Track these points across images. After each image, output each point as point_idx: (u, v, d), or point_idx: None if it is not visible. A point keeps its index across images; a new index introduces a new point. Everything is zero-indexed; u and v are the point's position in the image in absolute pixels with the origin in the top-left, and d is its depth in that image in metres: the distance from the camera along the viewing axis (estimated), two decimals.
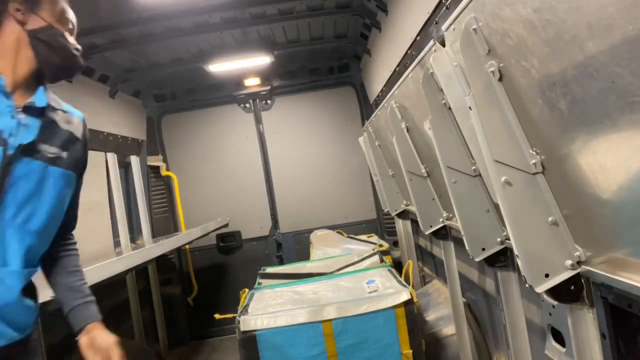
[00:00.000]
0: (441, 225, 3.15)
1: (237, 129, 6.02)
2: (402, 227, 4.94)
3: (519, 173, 1.59)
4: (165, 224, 5.87)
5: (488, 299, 3.09)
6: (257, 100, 6.02)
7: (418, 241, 4.84)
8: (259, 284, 3.68)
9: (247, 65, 5.20)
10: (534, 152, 1.56)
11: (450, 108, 2.07)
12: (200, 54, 4.89)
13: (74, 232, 2.11)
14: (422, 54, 2.18)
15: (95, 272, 2.55)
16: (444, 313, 3.55)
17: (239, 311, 2.89)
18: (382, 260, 3.84)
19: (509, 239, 1.75)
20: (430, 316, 3.66)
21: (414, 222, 4.60)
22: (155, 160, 5.85)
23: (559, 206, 1.58)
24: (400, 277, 3.27)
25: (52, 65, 1.82)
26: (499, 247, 2.23)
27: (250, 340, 2.67)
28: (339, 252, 4.59)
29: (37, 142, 1.66)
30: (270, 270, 4.08)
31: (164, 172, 5.88)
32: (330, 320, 2.70)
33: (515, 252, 1.64)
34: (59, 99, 1.90)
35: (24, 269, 1.66)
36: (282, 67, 5.72)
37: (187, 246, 5.70)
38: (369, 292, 3.02)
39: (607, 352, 1.60)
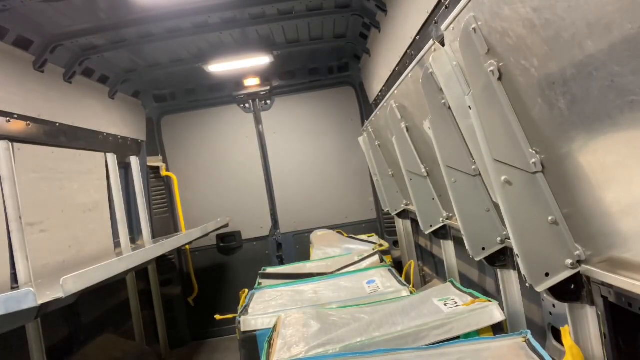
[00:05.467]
0: (441, 224, 3.15)
1: (236, 129, 6.02)
2: (402, 226, 4.94)
3: (519, 172, 1.59)
4: (165, 224, 5.87)
5: None
6: (257, 100, 6.02)
7: (418, 241, 4.84)
8: (259, 284, 3.68)
9: (247, 65, 5.21)
10: (534, 151, 1.56)
11: (449, 107, 2.07)
12: (200, 54, 4.89)
13: None
14: (421, 53, 2.18)
15: (95, 272, 2.55)
16: None
17: (239, 311, 2.89)
18: (382, 260, 3.84)
19: (509, 238, 1.75)
20: None
21: (414, 222, 4.60)
22: (155, 161, 5.85)
23: (559, 205, 1.58)
24: (401, 276, 3.27)
25: None
26: (499, 247, 2.24)
27: (250, 341, 2.66)
28: (339, 252, 4.59)
29: None
30: (270, 270, 4.08)
31: (163, 173, 5.88)
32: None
33: (515, 251, 1.64)
34: None
35: None
36: (281, 67, 5.72)
37: (187, 246, 5.71)
38: (370, 292, 3.02)
39: (608, 350, 1.60)
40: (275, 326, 2.45)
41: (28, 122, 3.47)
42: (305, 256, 5.13)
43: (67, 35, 3.72)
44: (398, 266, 4.68)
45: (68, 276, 2.26)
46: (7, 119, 3.25)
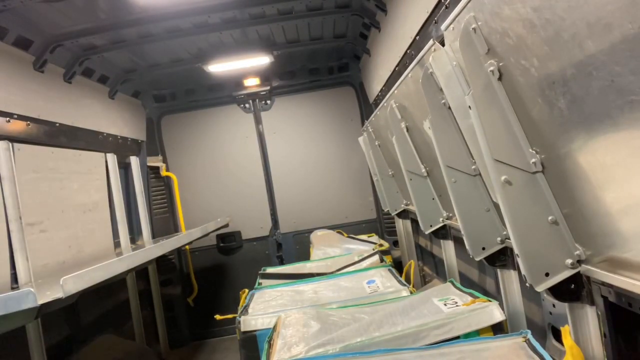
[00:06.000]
0: (441, 224, 3.15)
1: (236, 129, 6.03)
2: (402, 226, 4.94)
3: (519, 172, 1.59)
4: (165, 224, 5.87)
5: None
6: (257, 100, 6.02)
7: (418, 241, 4.84)
8: (259, 284, 3.68)
9: (247, 65, 5.20)
10: (534, 151, 1.56)
11: (449, 107, 2.07)
12: (200, 54, 4.89)
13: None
14: (421, 53, 2.18)
15: (95, 272, 2.55)
16: None
17: (239, 311, 2.89)
18: (382, 260, 3.84)
19: (509, 238, 1.75)
20: None
21: (414, 222, 4.60)
22: (155, 161, 5.85)
23: (559, 205, 1.58)
24: (401, 276, 3.27)
25: None
26: (499, 246, 2.24)
27: (250, 341, 2.66)
28: (339, 252, 4.59)
29: None
30: (270, 270, 4.08)
31: (163, 173, 5.88)
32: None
33: (516, 251, 1.64)
34: None
35: None
36: (281, 67, 5.72)
37: (187, 246, 5.71)
38: (370, 292, 3.02)
39: (608, 350, 1.60)
40: (275, 326, 2.45)
41: (28, 122, 3.47)
42: (305, 256, 5.13)
43: (67, 35, 3.72)
44: (398, 266, 4.69)
45: (68, 276, 2.26)
46: (7, 119, 3.25)
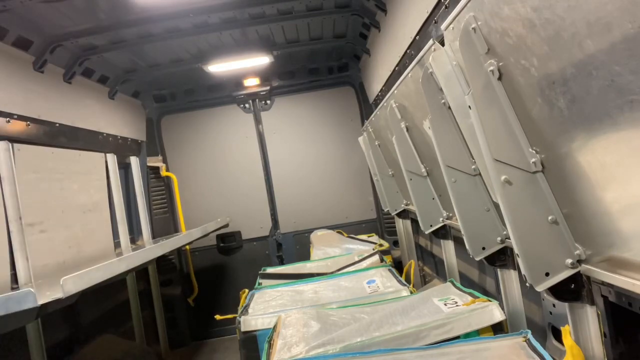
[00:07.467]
0: (441, 224, 3.15)
1: (236, 130, 6.03)
2: (402, 226, 4.94)
3: (519, 172, 1.59)
4: (165, 224, 5.87)
5: None
6: (257, 100, 6.03)
7: (418, 240, 4.84)
8: (259, 284, 3.68)
9: (247, 65, 5.20)
10: (534, 151, 1.56)
11: (449, 107, 2.07)
12: (200, 54, 4.89)
13: None
14: (421, 53, 2.18)
15: (95, 272, 2.55)
16: None
17: (239, 311, 2.89)
18: (382, 260, 3.84)
19: (509, 238, 1.76)
20: None
21: (414, 222, 4.60)
22: (155, 161, 5.85)
23: (559, 205, 1.58)
24: (401, 276, 3.27)
25: None
26: (499, 246, 2.24)
27: (250, 341, 2.66)
28: (339, 252, 4.59)
29: None
30: (270, 270, 4.08)
31: (163, 173, 5.88)
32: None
33: (516, 251, 1.64)
34: None
35: None
36: (281, 67, 5.72)
37: (187, 247, 5.71)
38: (370, 292, 3.02)
39: (608, 349, 1.60)
40: (275, 326, 2.45)
41: (28, 122, 3.47)
42: (305, 256, 5.13)
43: (67, 36, 3.72)
44: (398, 266, 4.69)
45: (68, 276, 2.26)
46: (7, 119, 3.25)
